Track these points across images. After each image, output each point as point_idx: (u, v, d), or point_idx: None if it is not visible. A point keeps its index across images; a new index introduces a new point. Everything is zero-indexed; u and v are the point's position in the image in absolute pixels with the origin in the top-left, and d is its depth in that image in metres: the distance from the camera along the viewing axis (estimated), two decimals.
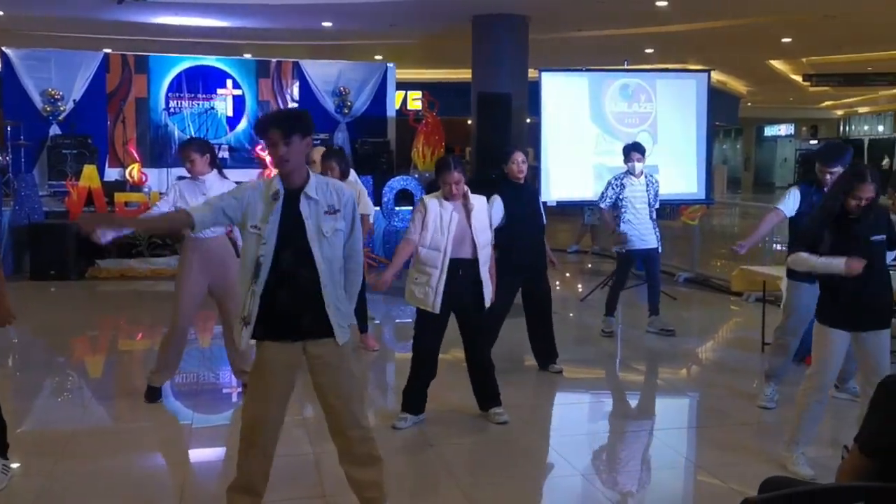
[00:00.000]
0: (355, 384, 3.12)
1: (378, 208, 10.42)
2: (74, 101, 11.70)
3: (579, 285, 9.83)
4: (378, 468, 3.14)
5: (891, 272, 4.02)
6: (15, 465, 3.87)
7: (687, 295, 8.93)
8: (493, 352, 4.83)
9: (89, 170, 10.31)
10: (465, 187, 4.39)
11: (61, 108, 11.66)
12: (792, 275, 4.66)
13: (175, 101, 12.37)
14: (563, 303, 8.24)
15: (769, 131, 35.08)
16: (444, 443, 4.31)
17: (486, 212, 4.41)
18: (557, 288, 9.39)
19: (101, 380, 5.60)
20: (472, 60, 12.12)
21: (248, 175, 10.18)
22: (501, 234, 4.95)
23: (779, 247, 8.94)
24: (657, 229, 6.74)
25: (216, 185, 4.72)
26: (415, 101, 16.22)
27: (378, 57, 15.77)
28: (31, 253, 9.39)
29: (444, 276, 4.27)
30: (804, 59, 18.09)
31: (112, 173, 11.81)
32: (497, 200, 5.24)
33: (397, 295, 8.62)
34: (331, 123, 12.65)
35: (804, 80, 19.34)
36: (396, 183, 10.57)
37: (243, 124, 12.64)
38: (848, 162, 4.45)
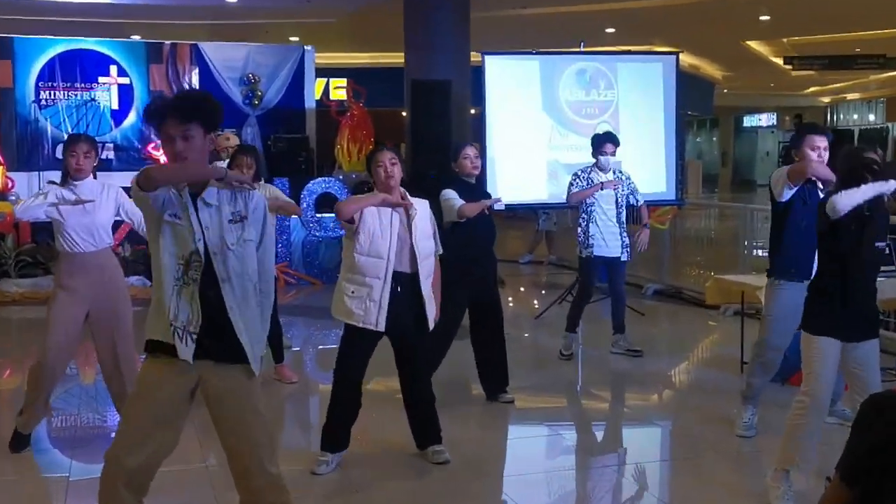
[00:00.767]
0: (262, 424, 3.04)
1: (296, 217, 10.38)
2: None
3: (534, 301, 9.93)
4: None
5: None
6: None
7: (656, 309, 9.11)
8: (433, 378, 4.85)
9: None
10: (403, 189, 4.43)
11: None
12: (775, 272, 4.78)
13: (47, 92, 12.07)
14: (516, 321, 8.33)
15: (748, 122, 36.10)
16: (374, 488, 4.30)
17: (429, 217, 4.46)
18: (509, 304, 9.49)
19: None
20: (405, 42, 12.18)
21: None
22: (450, 239, 5.01)
23: (760, 252, 9.20)
24: (625, 236, 6.86)
25: (92, 188, 4.60)
26: (338, 89, 16.19)
27: (293, 39, 15.72)
28: None
29: (387, 288, 4.28)
30: (785, 40, 18.67)
31: None
32: (449, 193, 5.34)
33: (319, 316, 8.64)
34: (238, 117, 12.53)
35: (785, 64, 19.92)
36: (317, 186, 10.56)
37: (131, 118, 12.41)
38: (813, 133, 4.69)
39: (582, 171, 6.84)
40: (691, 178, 25.23)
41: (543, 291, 10.61)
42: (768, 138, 35.30)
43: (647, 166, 9.48)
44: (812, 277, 4.16)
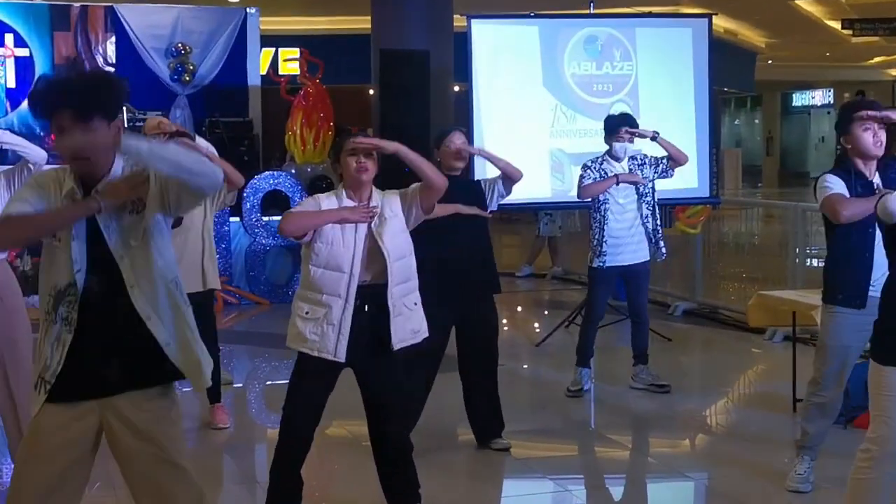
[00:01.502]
0: (183, 478, 3.06)
1: (237, 219, 10.34)
2: None
3: (535, 324, 9.93)
4: None
5: None
6: None
7: (686, 334, 9.12)
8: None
9: None
10: (374, 189, 4.41)
11: None
12: (829, 297, 4.81)
13: None
14: (512, 349, 8.32)
15: (798, 100, 36.36)
16: None
17: (401, 210, 4.42)
18: (505, 328, 9.47)
19: None
20: (371, 3, 12.18)
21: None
22: (426, 249, 4.96)
23: (815, 262, 9.23)
24: (660, 238, 6.88)
25: None
26: (289, 62, 16.17)
27: None
28: None
29: (350, 309, 4.25)
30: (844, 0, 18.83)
31: None
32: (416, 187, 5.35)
33: (266, 344, 8.61)
34: (164, 96, 12.49)
35: (844, 28, 20.04)
36: (264, 182, 10.52)
37: None
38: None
39: (593, 161, 6.86)
40: (728, 170, 25.35)
41: (546, 312, 10.61)
42: (823, 120, 35.47)
43: None
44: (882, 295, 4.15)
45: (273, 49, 16.71)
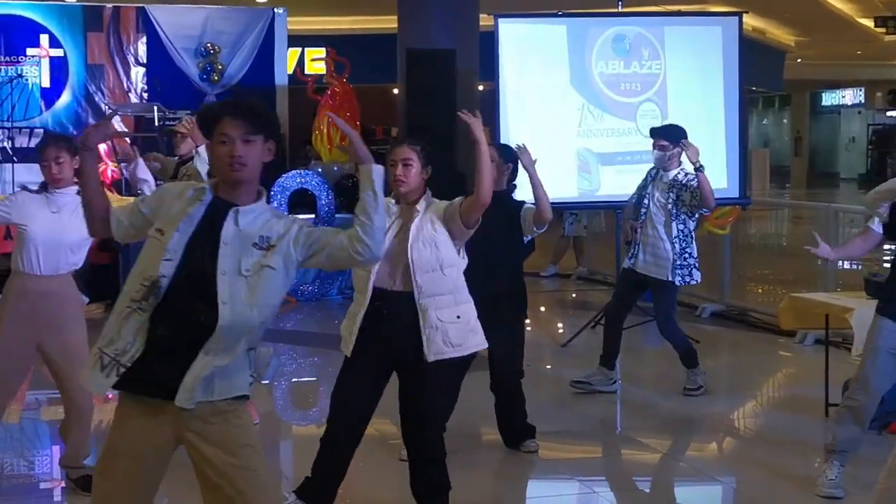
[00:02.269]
0: (258, 483, 3.08)
1: None
2: None
3: (559, 324, 9.87)
4: None
5: None
6: None
7: (714, 336, 9.04)
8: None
9: None
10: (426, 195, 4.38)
11: None
12: (884, 308, 4.78)
13: None
14: (538, 350, 8.27)
15: (828, 99, 36.07)
16: None
17: (440, 220, 4.35)
18: (529, 329, 9.41)
19: None
20: (398, 3, 12.15)
21: None
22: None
23: (847, 264, 9.12)
24: (684, 254, 6.76)
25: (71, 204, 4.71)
26: (315, 62, 16.17)
27: (261, 0, 15.72)
28: None
29: (363, 309, 4.30)
30: None
31: None
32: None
33: (294, 342, 8.58)
34: (194, 96, 12.53)
35: (876, 26, 19.86)
36: (291, 181, 10.51)
37: (66, 98, 12.47)
38: None
39: (652, 169, 6.95)
40: (756, 170, 25.14)
41: (571, 312, 10.54)
42: (854, 120, 35.20)
43: (703, 156, 9.35)
44: None
45: (299, 49, 16.74)
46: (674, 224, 6.76)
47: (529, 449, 5.66)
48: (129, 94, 12.77)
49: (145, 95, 12.66)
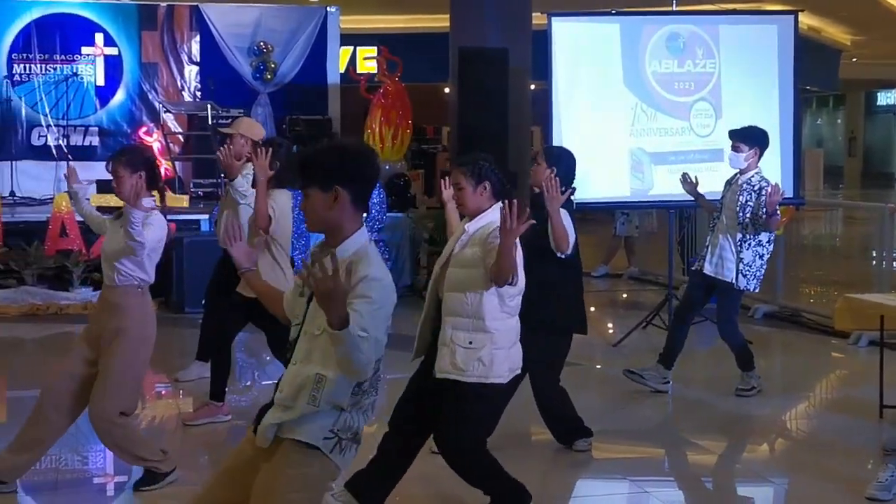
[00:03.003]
0: None
1: None
2: None
3: (610, 324, 9.84)
4: None
5: None
6: None
7: (767, 337, 8.98)
8: None
9: None
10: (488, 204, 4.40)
11: None
12: None
13: (21, 66, 12.33)
14: (589, 350, 8.25)
15: (884, 99, 35.57)
16: None
17: (482, 240, 4.32)
18: None
19: None
20: (451, 1, 12.17)
21: None
22: None
23: None
24: (749, 256, 6.73)
25: (156, 224, 4.78)
26: (367, 60, 16.26)
27: None
28: None
29: (423, 313, 4.49)
30: None
31: None
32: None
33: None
34: (246, 94, 12.67)
35: None
36: None
37: (120, 96, 12.63)
38: None
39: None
40: (809, 170, 24.82)
41: (622, 312, 10.50)
42: None
43: None
44: None
45: (352, 47, 16.82)
46: (739, 228, 6.74)
47: (581, 448, 5.66)
48: (183, 93, 12.92)
49: (198, 94, 12.80)
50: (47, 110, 12.24)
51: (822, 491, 5.17)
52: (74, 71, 12.39)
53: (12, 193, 11.63)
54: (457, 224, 4.68)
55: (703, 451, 6.01)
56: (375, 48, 13.50)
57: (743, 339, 6.94)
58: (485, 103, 10.21)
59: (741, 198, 6.70)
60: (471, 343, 4.30)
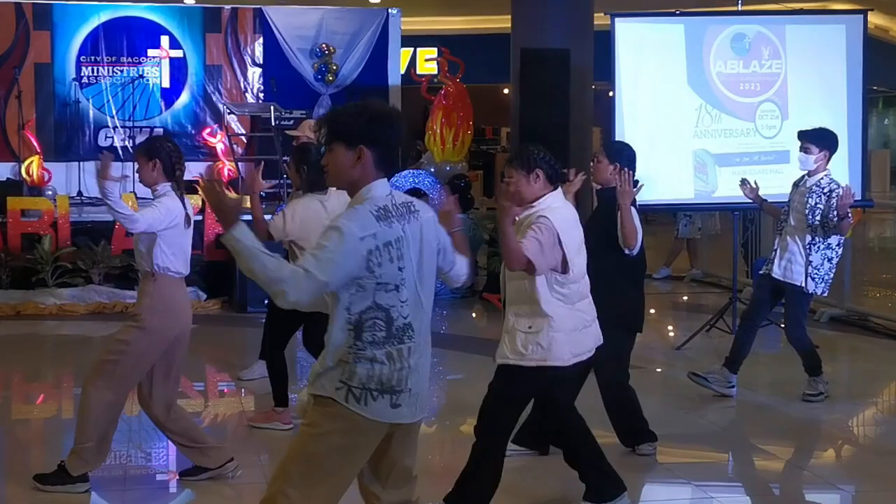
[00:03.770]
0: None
1: None
2: None
3: (671, 327, 9.77)
4: None
5: None
6: None
7: (833, 341, 8.88)
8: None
9: None
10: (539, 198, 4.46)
11: None
12: None
13: (89, 68, 12.54)
14: (651, 353, 8.21)
15: None
16: None
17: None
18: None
19: None
20: (512, 2, 12.17)
21: (194, 170, 10.27)
22: None
23: None
24: (811, 276, 6.64)
25: (160, 207, 4.90)
26: (428, 62, 16.29)
27: (375, 0, 15.89)
28: None
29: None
30: None
31: (3, 170, 11.96)
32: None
33: None
34: (309, 96, 12.75)
35: None
36: (404, 180, 10.63)
37: (185, 98, 12.79)
38: None
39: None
40: (876, 172, 24.46)
41: (685, 315, 10.42)
42: None
43: None
44: None
45: (412, 49, 16.86)
46: (808, 230, 6.66)
47: (645, 452, 5.64)
48: (246, 95, 13.05)
49: (261, 96, 12.91)
50: (114, 112, 12.44)
51: (891, 499, 5.12)
52: (140, 73, 12.57)
53: (80, 193, 11.86)
54: None
55: (769, 456, 5.95)
56: (435, 49, 13.56)
57: (811, 344, 6.86)
58: (546, 104, 10.21)
59: (810, 200, 6.61)
60: (530, 327, 4.42)
